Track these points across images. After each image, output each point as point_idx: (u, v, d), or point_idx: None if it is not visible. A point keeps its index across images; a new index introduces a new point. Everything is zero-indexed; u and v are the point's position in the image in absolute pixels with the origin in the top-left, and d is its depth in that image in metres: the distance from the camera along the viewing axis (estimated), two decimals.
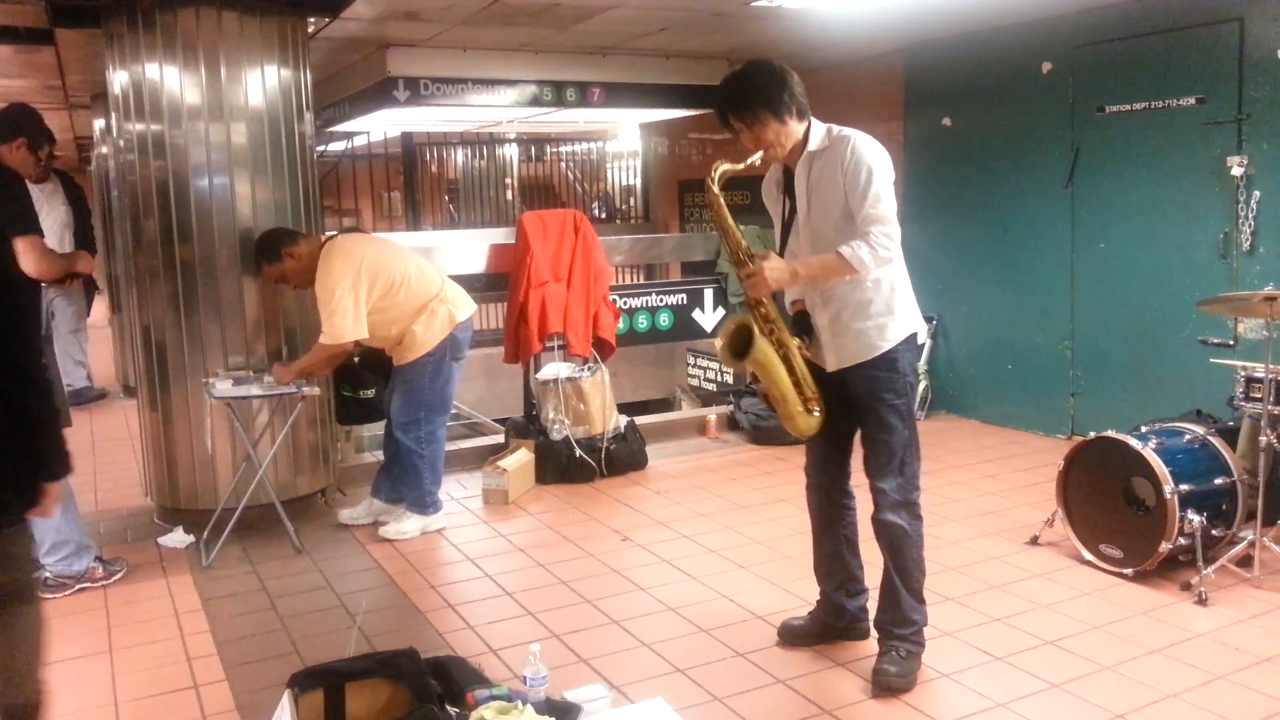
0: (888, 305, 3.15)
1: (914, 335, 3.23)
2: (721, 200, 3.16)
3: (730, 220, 3.17)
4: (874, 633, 3.43)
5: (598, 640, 3.66)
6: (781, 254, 3.28)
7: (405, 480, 4.87)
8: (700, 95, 7.55)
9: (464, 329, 4.80)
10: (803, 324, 3.29)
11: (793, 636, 3.55)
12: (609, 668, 3.43)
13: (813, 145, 3.12)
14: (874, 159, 3.04)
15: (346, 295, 4.45)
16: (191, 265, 4.73)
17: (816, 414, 3.23)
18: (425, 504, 4.87)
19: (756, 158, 3.14)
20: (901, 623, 3.27)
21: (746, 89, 3.08)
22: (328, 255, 4.54)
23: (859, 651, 3.47)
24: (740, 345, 3.15)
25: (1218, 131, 5.30)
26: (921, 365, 7.04)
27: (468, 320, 4.83)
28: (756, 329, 3.12)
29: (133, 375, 5.68)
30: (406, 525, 4.82)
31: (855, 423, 3.31)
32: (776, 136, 3.09)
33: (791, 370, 3.19)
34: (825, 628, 3.54)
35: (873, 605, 3.47)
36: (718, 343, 3.30)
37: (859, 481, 3.40)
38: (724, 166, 3.10)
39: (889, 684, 3.19)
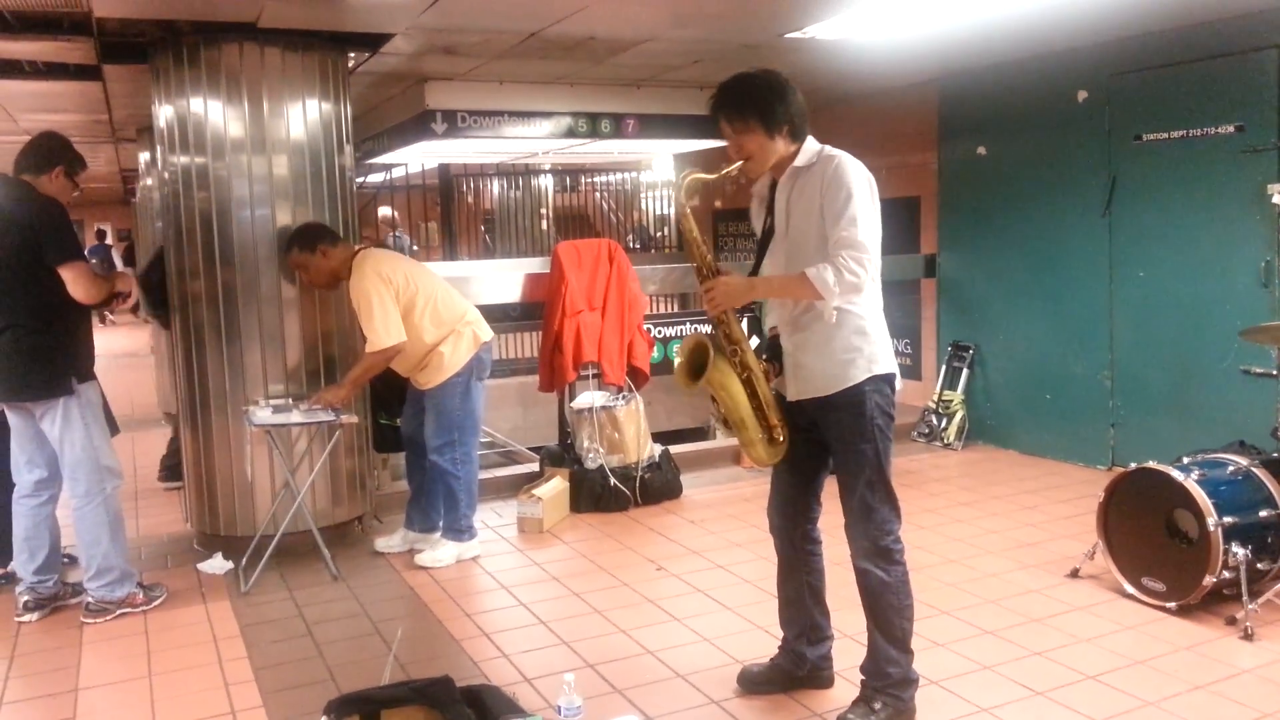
0: (851, 343, 2.98)
1: (885, 376, 3.02)
2: (688, 209, 3.05)
3: (696, 232, 3.02)
4: (837, 680, 3.38)
5: (632, 670, 3.64)
6: (755, 272, 3.16)
7: (442, 504, 4.91)
8: None
9: (486, 349, 4.91)
10: (774, 350, 3.16)
11: (751, 684, 3.42)
12: (643, 698, 3.41)
13: (799, 161, 2.99)
14: (855, 181, 2.88)
15: (382, 300, 4.53)
16: (233, 295, 4.81)
17: (780, 441, 3.09)
18: (461, 529, 4.90)
19: (735, 168, 3.03)
20: (877, 674, 3.12)
21: (743, 94, 2.97)
22: (361, 264, 4.61)
23: None
24: (698, 365, 3.02)
25: (1257, 159, 5.25)
26: (959, 395, 6.99)
27: (489, 341, 4.95)
28: (714, 348, 3.00)
29: (174, 403, 5.76)
30: (442, 553, 4.84)
31: (821, 466, 3.19)
32: (760, 150, 2.98)
33: (754, 395, 3.05)
34: (785, 675, 3.40)
35: (838, 651, 3.43)
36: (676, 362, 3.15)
37: (827, 525, 3.31)
38: (694, 175, 3.03)
39: None
